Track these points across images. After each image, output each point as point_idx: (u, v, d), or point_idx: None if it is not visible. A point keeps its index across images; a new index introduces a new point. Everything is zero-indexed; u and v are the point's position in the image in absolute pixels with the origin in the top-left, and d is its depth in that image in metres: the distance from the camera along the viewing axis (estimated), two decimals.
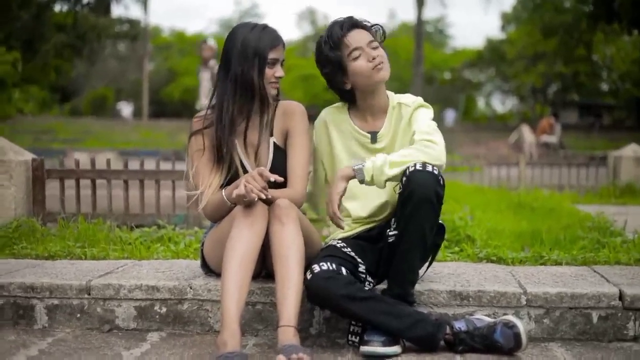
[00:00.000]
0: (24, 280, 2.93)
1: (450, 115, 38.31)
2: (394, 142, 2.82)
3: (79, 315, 2.89)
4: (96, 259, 3.52)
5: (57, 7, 20.19)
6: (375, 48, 2.76)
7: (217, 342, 2.38)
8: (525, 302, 2.73)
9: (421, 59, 29.43)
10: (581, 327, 2.72)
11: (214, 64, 9.24)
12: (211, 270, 2.94)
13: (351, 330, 2.62)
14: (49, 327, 2.90)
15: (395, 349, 2.52)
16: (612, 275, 3.01)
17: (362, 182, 2.61)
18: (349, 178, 2.63)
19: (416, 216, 2.50)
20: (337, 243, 2.76)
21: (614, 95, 39.83)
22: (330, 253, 2.67)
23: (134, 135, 29.61)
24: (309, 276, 2.52)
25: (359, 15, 2.82)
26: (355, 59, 2.74)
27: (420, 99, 2.85)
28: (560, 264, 3.33)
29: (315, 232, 2.86)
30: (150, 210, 5.11)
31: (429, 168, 2.52)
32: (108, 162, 5.16)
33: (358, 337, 2.60)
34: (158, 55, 49.12)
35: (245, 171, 2.79)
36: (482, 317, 2.63)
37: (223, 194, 2.68)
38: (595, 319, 2.72)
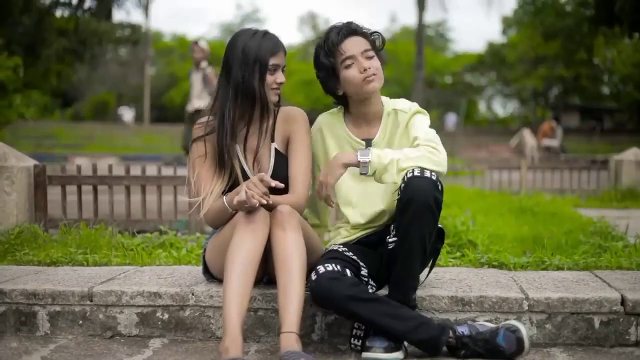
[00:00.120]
0: (26, 287, 2.93)
1: (451, 119, 38.30)
2: (390, 148, 2.81)
3: (81, 321, 2.90)
4: (98, 265, 3.52)
5: (58, 12, 20.25)
6: (369, 57, 2.75)
7: (219, 349, 2.38)
8: (527, 308, 2.73)
9: (422, 63, 29.44)
10: (583, 332, 2.72)
11: (206, 65, 9.23)
12: (213, 276, 2.94)
13: (354, 333, 2.63)
14: (51, 333, 2.90)
15: (397, 354, 2.52)
16: (614, 280, 3.01)
17: (362, 173, 2.59)
18: (350, 166, 2.60)
19: (415, 223, 2.50)
20: (339, 248, 2.77)
21: (615, 98, 39.84)
22: (334, 256, 2.68)
23: (135, 140, 29.69)
24: (313, 277, 2.53)
25: (359, 19, 2.82)
26: (348, 67, 2.74)
27: (416, 105, 2.84)
28: (562, 269, 3.33)
29: (317, 238, 2.87)
30: (152, 216, 5.11)
31: (427, 174, 2.51)
32: (110, 167, 5.16)
33: (361, 341, 2.60)
34: (159, 60, 49.20)
35: (247, 177, 2.79)
36: (485, 323, 2.63)
37: (224, 200, 2.68)
38: (597, 324, 2.71)
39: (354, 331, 2.62)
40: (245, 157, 2.85)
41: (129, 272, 3.28)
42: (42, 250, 3.80)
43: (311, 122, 2.94)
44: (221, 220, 2.74)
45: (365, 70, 2.71)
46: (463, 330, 2.56)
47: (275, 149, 2.86)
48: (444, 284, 2.94)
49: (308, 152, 2.84)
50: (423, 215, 2.49)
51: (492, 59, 42.67)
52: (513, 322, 2.56)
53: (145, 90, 38.74)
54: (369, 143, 2.82)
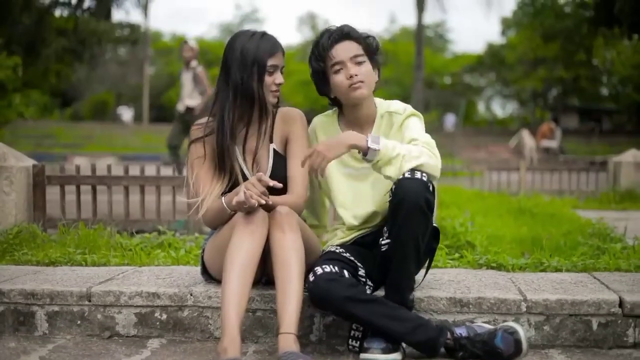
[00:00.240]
0: (25, 287, 2.93)
1: (450, 120, 38.31)
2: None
3: (79, 321, 2.90)
4: (97, 266, 3.52)
5: (57, 12, 20.28)
6: (359, 63, 2.74)
7: (217, 349, 2.39)
8: (525, 309, 2.73)
9: (422, 64, 29.47)
10: (581, 334, 2.72)
11: (196, 64, 9.20)
12: (212, 277, 2.94)
13: (352, 334, 2.62)
14: (50, 333, 2.90)
15: (395, 356, 2.52)
16: (612, 282, 3.01)
17: (365, 159, 2.54)
18: (356, 148, 2.54)
19: (407, 224, 2.49)
20: (336, 249, 2.77)
21: (615, 99, 39.85)
22: (331, 257, 2.68)
23: (134, 139, 29.68)
24: (311, 278, 2.53)
25: (359, 19, 2.83)
26: (337, 72, 2.74)
27: (410, 107, 2.84)
28: (560, 270, 3.33)
29: (315, 239, 2.87)
30: (151, 216, 5.12)
31: (418, 175, 2.50)
32: (109, 167, 5.17)
33: (358, 342, 2.60)
34: (158, 59, 49.16)
35: (246, 179, 2.79)
36: (483, 325, 2.63)
37: (223, 201, 2.68)
38: (595, 326, 2.72)
39: (352, 332, 2.62)
40: (244, 159, 2.85)
41: (128, 272, 3.28)
42: (40, 250, 3.80)
43: (309, 122, 2.95)
44: (220, 221, 2.74)
45: (351, 77, 2.71)
46: (461, 331, 2.56)
47: (274, 149, 2.87)
48: (443, 285, 2.94)
49: (306, 152, 2.83)
50: (415, 217, 2.48)
51: (492, 60, 42.70)
52: (511, 323, 2.56)
53: (144, 90, 38.72)
54: None
